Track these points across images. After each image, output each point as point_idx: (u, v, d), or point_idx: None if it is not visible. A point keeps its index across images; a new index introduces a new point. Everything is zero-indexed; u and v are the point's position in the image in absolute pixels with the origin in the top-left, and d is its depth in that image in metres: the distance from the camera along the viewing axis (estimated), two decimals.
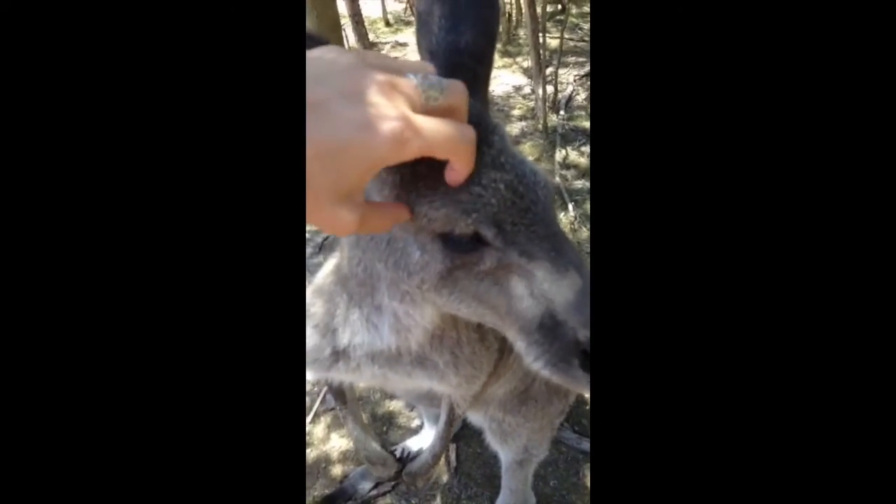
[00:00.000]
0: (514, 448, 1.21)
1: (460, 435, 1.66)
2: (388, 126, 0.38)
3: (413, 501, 1.53)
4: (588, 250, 2.24)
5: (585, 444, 1.60)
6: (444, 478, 1.57)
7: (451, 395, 0.99)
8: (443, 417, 1.04)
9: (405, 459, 1.19)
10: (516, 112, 3.32)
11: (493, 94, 3.47)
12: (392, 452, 1.21)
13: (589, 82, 3.46)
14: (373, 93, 0.39)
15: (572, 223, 2.40)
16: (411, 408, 1.76)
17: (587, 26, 4.32)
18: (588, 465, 1.57)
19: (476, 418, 1.24)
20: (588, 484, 1.53)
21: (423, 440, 1.60)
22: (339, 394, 1.10)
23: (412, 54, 4.06)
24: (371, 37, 3.89)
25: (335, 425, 1.73)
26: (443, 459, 1.59)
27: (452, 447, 1.63)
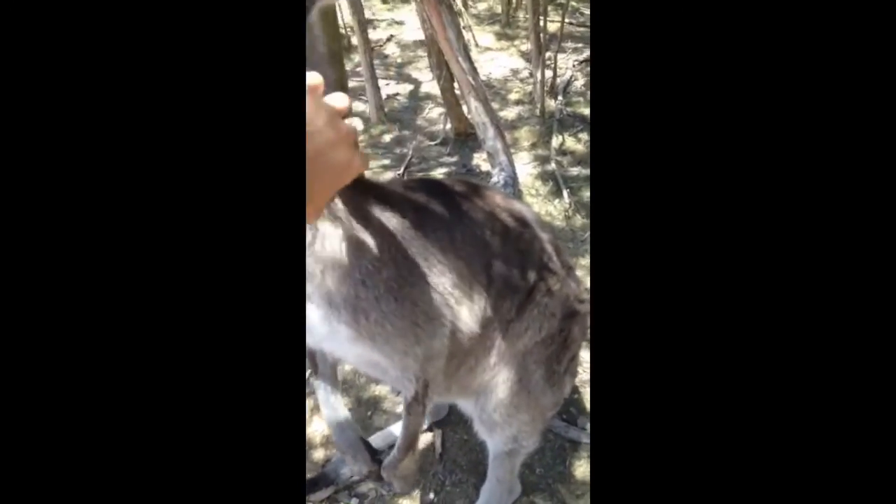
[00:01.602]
0: (502, 438, 1.18)
1: (446, 421, 1.63)
2: (358, 162, 0.64)
3: (395, 488, 1.50)
4: (582, 238, 2.21)
5: (573, 433, 1.58)
6: (430, 464, 1.54)
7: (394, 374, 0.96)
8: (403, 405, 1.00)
9: (383, 454, 1.14)
10: (513, 96, 3.26)
11: (490, 76, 3.40)
12: (369, 444, 1.15)
13: (588, 68, 3.40)
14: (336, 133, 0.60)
15: (566, 210, 2.36)
16: (397, 392, 1.72)
17: (588, 11, 4.24)
18: (575, 454, 1.55)
19: (466, 406, 1.20)
20: (575, 473, 1.51)
21: None
22: (310, 357, 1.06)
23: (409, 32, 3.97)
24: (367, 14, 3.79)
25: (318, 409, 1.69)
26: (429, 445, 1.56)
27: (438, 433, 1.60)
